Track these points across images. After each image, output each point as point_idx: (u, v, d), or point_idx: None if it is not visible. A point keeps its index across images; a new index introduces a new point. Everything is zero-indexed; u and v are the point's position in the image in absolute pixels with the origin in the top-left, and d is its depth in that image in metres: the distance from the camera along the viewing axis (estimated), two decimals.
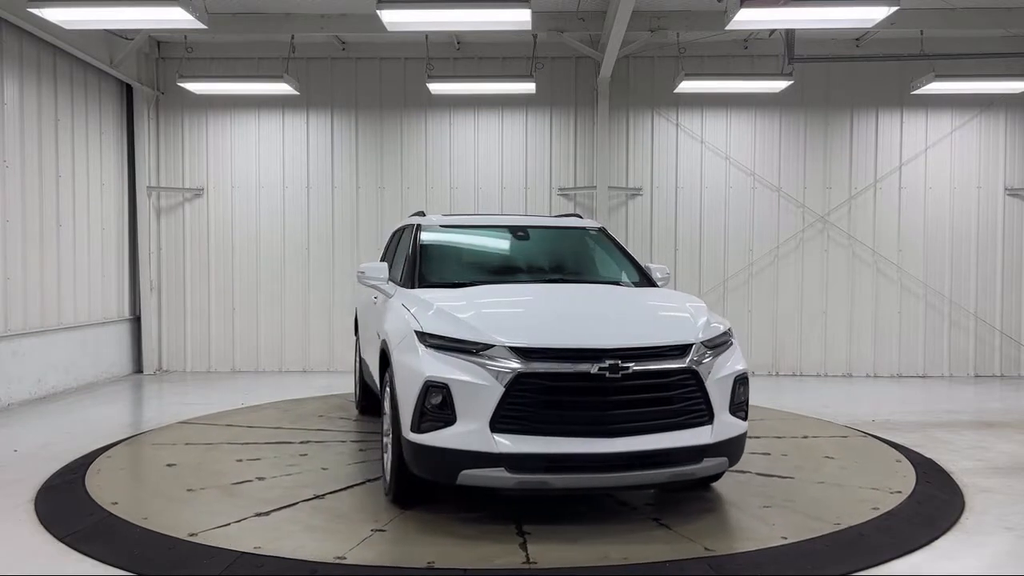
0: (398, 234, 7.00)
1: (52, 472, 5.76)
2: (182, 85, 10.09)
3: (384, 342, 5.08)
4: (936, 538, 4.49)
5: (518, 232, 6.24)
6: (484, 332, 4.40)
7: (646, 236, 11.05)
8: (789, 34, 9.59)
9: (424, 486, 4.71)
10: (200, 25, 7.25)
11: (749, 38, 10.66)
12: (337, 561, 4.04)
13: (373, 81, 11.11)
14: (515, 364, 4.25)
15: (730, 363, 4.69)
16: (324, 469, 5.80)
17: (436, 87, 10.11)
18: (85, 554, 4.22)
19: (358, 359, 7.74)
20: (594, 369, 4.24)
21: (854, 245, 10.98)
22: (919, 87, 9.83)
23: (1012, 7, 9.56)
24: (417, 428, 4.40)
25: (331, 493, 5.19)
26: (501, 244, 6.28)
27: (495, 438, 4.21)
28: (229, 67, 10.91)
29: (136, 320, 11.10)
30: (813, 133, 11.03)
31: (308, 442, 6.64)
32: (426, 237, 6.00)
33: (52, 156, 9.38)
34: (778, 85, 9.96)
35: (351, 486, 5.35)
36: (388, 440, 5.03)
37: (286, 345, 11.19)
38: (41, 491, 5.33)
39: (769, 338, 10.98)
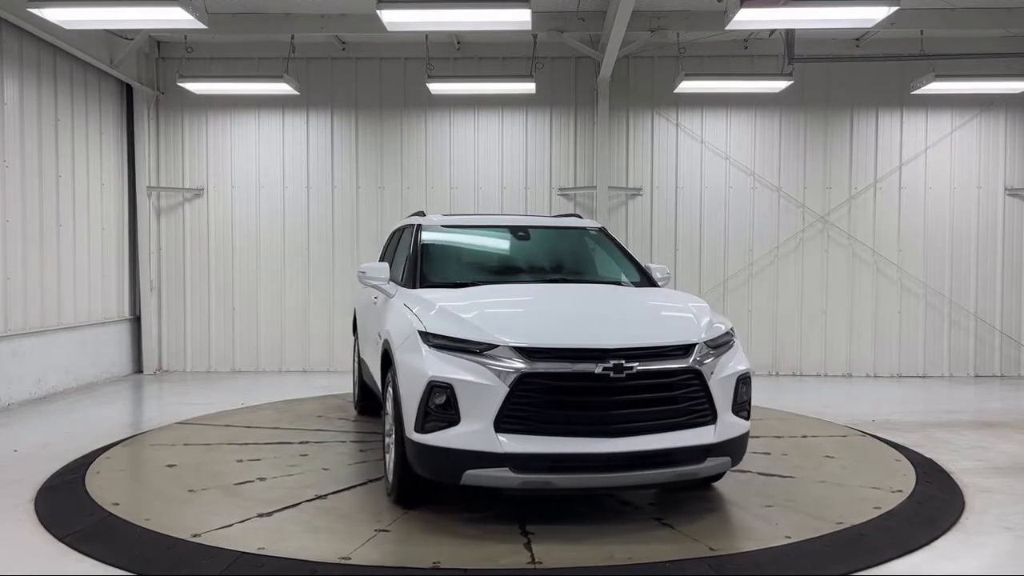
0: (397, 234, 7.00)
1: (52, 472, 5.76)
2: (182, 85, 10.09)
3: (386, 342, 5.07)
4: (936, 538, 4.49)
5: (519, 232, 6.24)
6: (488, 332, 4.39)
7: (646, 236, 11.05)
8: (789, 34, 9.59)
9: (427, 486, 4.71)
10: (200, 25, 7.25)
11: (749, 38, 10.66)
12: (342, 561, 4.04)
13: (373, 81, 11.11)
14: (519, 364, 4.25)
15: (733, 363, 4.70)
16: (325, 469, 5.79)
17: (436, 87, 10.11)
18: (85, 554, 4.22)
19: (357, 359, 7.74)
20: (598, 369, 4.25)
21: (854, 245, 10.98)
22: (919, 87, 9.83)
23: (1012, 7, 9.56)
24: (421, 428, 4.40)
25: (333, 493, 5.18)
26: (502, 244, 6.27)
27: (499, 438, 4.21)
28: (229, 67, 10.91)
29: (136, 320, 11.11)
30: (813, 133, 11.03)
31: (307, 442, 6.64)
32: (427, 237, 6.00)
33: (52, 156, 9.38)
34: (778, 85, 9.96)
35: (353, 486, 5.35)
36: (390, 440, 5.03)
37: (286, 345, 11.19)
38: (41, 491, 5.33)
39: (769, 338, 10.98)
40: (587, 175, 11.02)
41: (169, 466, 5.88)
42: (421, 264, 5.68)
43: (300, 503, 4.97)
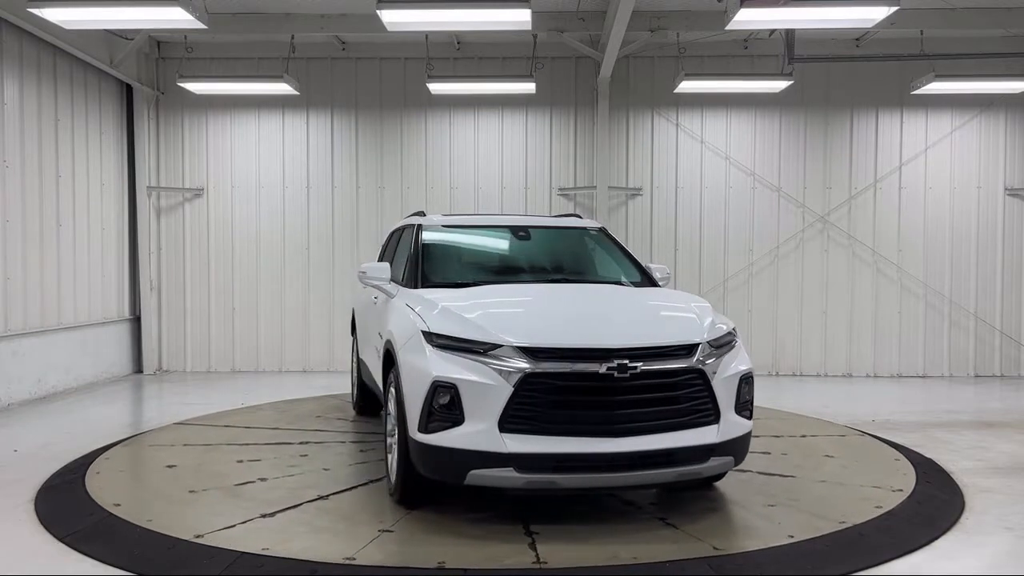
0: (397, 234, 6.99)
1: (52, 472, 5.76)
2: (182, 85, 10.09)
3: (388, 342, 5.06)
4: (936, 538, 4.49)
5: (519, 232, 6.25)
6: (492, 332, 4.40)
7: (646, 236, 11.05)
8: (789, 34, 9.59)
9: (430, 486, 4.71)
10: (200, 25, 7.25)
11: (749, 38, 10.66)
12: (346, 562, 4.03)
13: (373, 81, 11.11)
14: (523, 364, 4.25)
15: (735, 363, 4.71)
16: (326, 470, 5.79)
17: (436, 87, 10.11)
18: (85, 554, 4.22)
19: (356, 360, 7.74)
20: (602, 369, 4.25)
21: (854, 245, 10.98)
22: (919, 87, 9.83)
23: (1012, 7, 9.56)
24: (425, 428, 4.40)
25: (335, 494, 5.18)
26: (503, 244, 6.27)
27: (504, 438, 4.21)
28: (229, 67, 10.91)
29: (136, 320, 11.11)
30: (813, 133, 11.03)
31: (307, 443, 6.64)
32: (428, 237, 5.99)
33: (52, 156, 9.38)
34: (778, 85, 9.96)
35: (354, 487, 5.35)
36: (392, 440, 5.03)
37: (286, 345, 11.19)
38: (41, 491, 5.33)
39: (769, 338, 10.98)
40: (587, 175, 11.02)
41: (169, 467, 5.88)
42: (422, 264, 5.68)
43: (302, 503, 4.96)
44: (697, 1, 9.60)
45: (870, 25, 8.01)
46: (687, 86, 9.94)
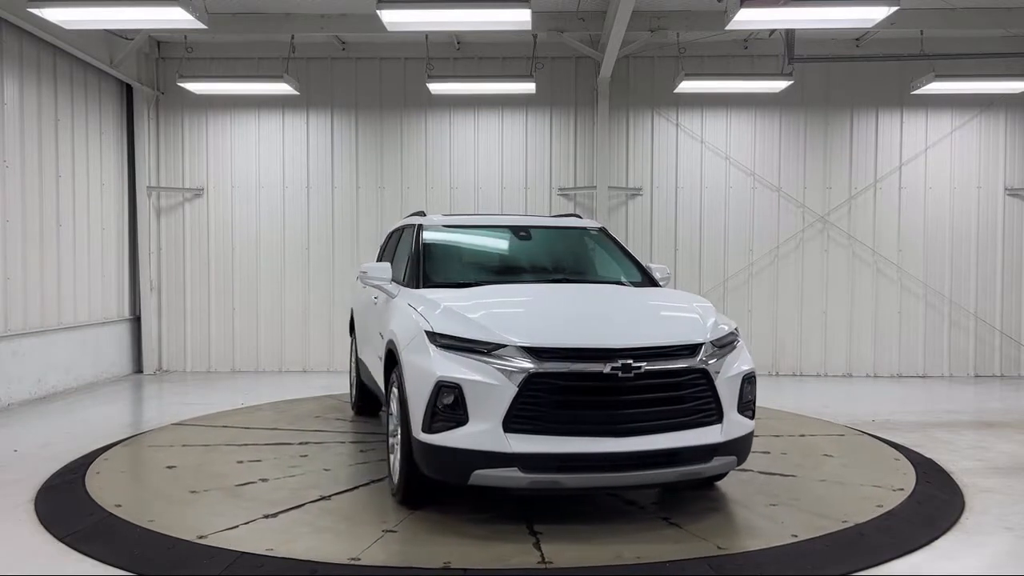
0: (397, 234, 6.99)
1: (52, 472, 5.76)
2: (182, 85, 10.09)
3: (391, 342, 5.06)
4: (936, 538, 4.49)
5: (520, 232, 6.25)
6: (496, 332, 4.40)
7: (646, 236, 11.05)
8: (789, 34, 9.59)
9: (433, 487, 4.71)
10: (200, 25, 7.25)
11: (749, 38, 10.66)
12: (351, 562, 4.03)
13: (373, 81, 11.11)
14: (528, 364, 4.26)
15: (738, 363, 4.72)
16: (326, 470, 5.79)
17: (436, 87, 10.11)
18: (85, 554, 4.22)
19: (354, 360, 7.73)
20: (606, 369, 4.26)
21: (854, 245, 10.98)
22: (919, 87, 9.83)
23: (1012, 7, 9.56)
24: (428, 428, 4.40)
25: (337, 494, 5.18)
26: (504, 244, 6.27)
27: (508, 438, 4.21)
28: (229, 67, 10.91)
29: (136, 320, 11.11)
30: (813, 133, 11.03)
31: (307, 443, 6.63)
32: (429, 237, 5.99)
33: (52, 156, 9.38)
34: (778, 85, 9.96)
35: (356, 487, 5.34)
36: (395, 440, 5.03)
37: (286, 345, 11.19)
38: (41, 491, 5.33)
39: (769, 338, 10.98)
40: (587, 175, 11.02)
41: (169, 467, 5.88)
42: (424, 264, 5.67)
43: (304, 504, 4.96)
44: (697, 1, 9.60)
45: (870, 25, 8.02)
46: (687, 86, 9.94)
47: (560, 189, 11.07)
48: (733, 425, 4.57)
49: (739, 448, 4.66)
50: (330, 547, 4.23)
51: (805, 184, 11.04)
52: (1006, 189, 10.97)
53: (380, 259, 7.30)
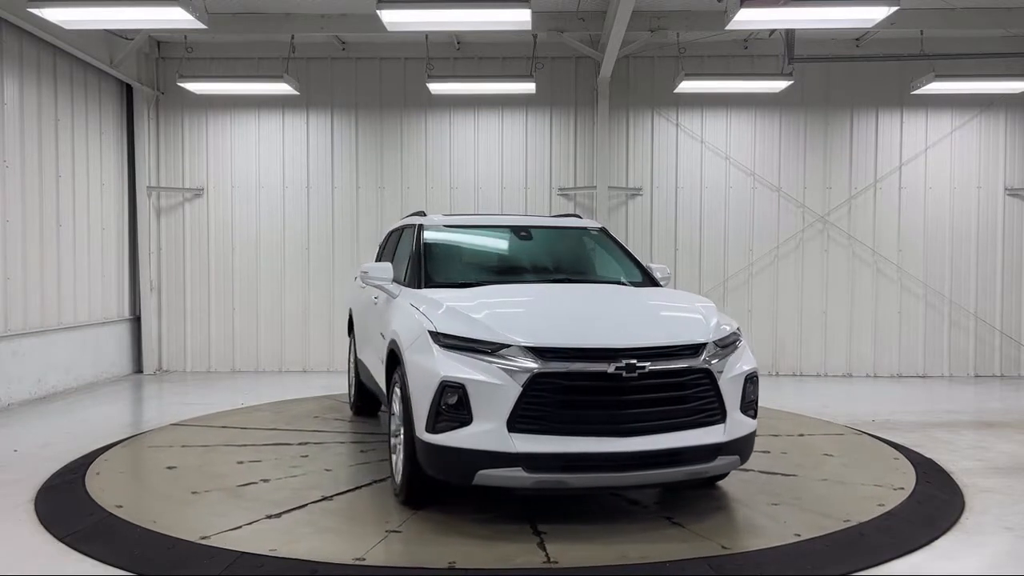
0: (396, 234, 6.98)
1: (52, 472, 5.76)
2: (182, 85, 10.09)
3: (393, 342, 5.06)
4: (936, 538, 4.49)
5: (520, 232, 6.25)
6: (500, 332, 4.40)
7: (646, 236, 11.05)
8: (789, 34, 9.59)
9: (436, 487, 4.71)
10: (200, 25, 7.24)
11: (749, 38, 10.66)
12: (356, 562, 4.03)
13: (373, 81, 11.11)
14: (532, 364, 4.26)
15: (740, 363, 4.73)
16: (327, 470, 5.78)
17: (436, 87, 10.11)
18: (85, 554, 4.22)
19: (353, 360, 7.73)
20: (611, 369, 4.26)
21: (854, 245, 10.98)
22: (919, 87, 9.83)
23: (1012, 7, 9.56)
24: (432, 428, 4.40)
25: (339, 495, 5.17)
26: (505, 244, 6.27)
27: (512, 438, 4.21)
28: (229, 67, 10.91)
29: (136, 320, 11.11)
30: (813, 133, 11.03)
31: (307, 443, 6.63)
32: (430, 237, 5.99)
33: (52, 156, 9.38)
34: (778, 85, 9.96)
35: (358, 487, 5.34)
36: (397, 441, 5.03)
37: (286, 345, 11.19)
38: (41, 491, 5.33)
39: (769, 338, 10.98)
40: (587, 175, 11.02)
41: (169, 468, 5.87)
42: (425, 264, 5.67)
43: (307, 504, 4.95)
44: (697, 1, 9.60)
45: (870, 25, 8.02)
46: (687, 86, 9.94)
47: (560, 189, 11.07)
48: (736, 425, 4.58)
49: (742, 448, 4.68)
50: (334, 547, 4.23)
51: (805, 184, 11.04)
52: (1006, 189, 10.97)
53: (379, 259, 7.30)
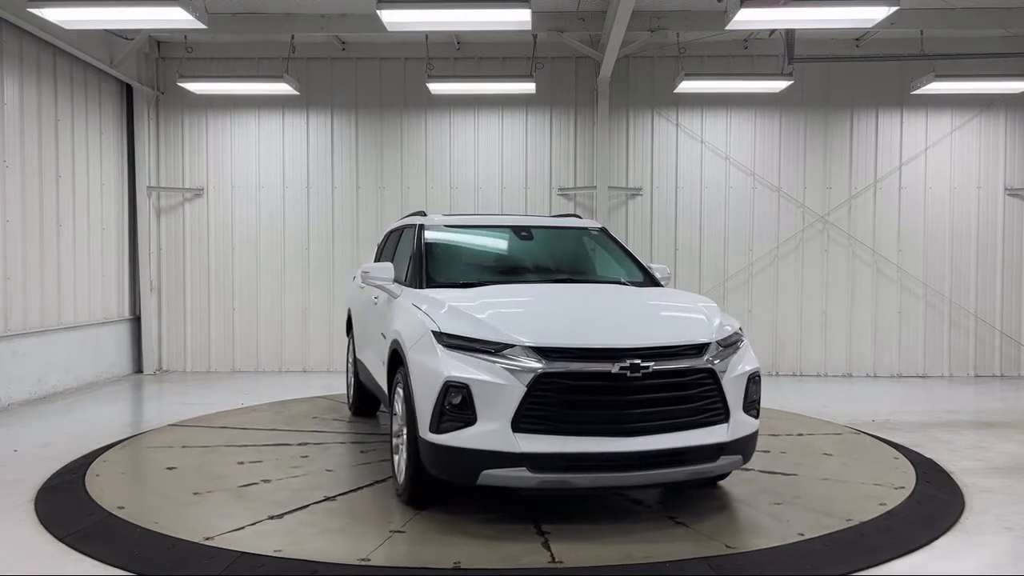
0: (396, 234, 6.97)
1: (52, 472, 5.76)
2: (182, 85, 10.09)
3: (395, 342, 5.06)
4: (936, 538, 4.49)
5: (521, 232, 6.25)
6: (504, 332, 4.40)
7: (646, 236, 11.05)
8: (789, 34, 9.59)
9: (439, 487, 4.71)
10: (200, 25, 7.24)
11: (749, 38, 10.66)
12: (361, 563, 4.03)
13: (373, 81, 11.11)
14: (536, 364, 4.26)
15: (743, 362, 4.74)
16: (328, 471, 5.78)
17: (436, 87, 10.11)
18: (85, 554, 4.22)
19: (352, 360, 7.72)
20: (615, 369, 4.26)
21: (854, 245, 10.98)
22: (919, 87, 9.83)
23: (1012, 7, 9.56)
24: (436, 428, 4.40)
25: (341, 495, 5.17)
26: (505, 244, 6.27)
27: (517, 438, 4.22)
28: (229, 67, 10.91)
29: (136, 320, 11.11)
30: (813, 133, 11.03)
31: (307, 444, 6.63)
32: (431, 237, 5.98)
33: (52, 156, 9.38)
34: (778, 85, 9.96)
35: (360, 488, 5.34)
36: (399, 441, 5.03)
37: (286, 345, 11.19)
38: (41, 491, 5.33)
39: (769, 338, 10.98)
40: (587, 175, 11.02)
41: (169, 468, 5.87)
42: (426, 264, 5.66)
43: (309, 505, 4.95)
44: (697, 1, 9.60)
45: (870, 25, 8.02)
46: (687, 86, 9.94)
47: (560, 189, 11.07)
48: (739, 424, 4.59)
49: (745, 447, 4.69)
50: (338, 548, 4.23)
51: (805, 184, 11.04)
52: (1006, 189, 10.97)
53: (378, 259, 7.29)
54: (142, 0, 7.06)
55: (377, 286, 5.82)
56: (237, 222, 11.18)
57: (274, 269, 11.19)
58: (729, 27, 7.51)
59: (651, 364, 4.31)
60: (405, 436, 4.83)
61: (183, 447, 6.49)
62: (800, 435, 6.96)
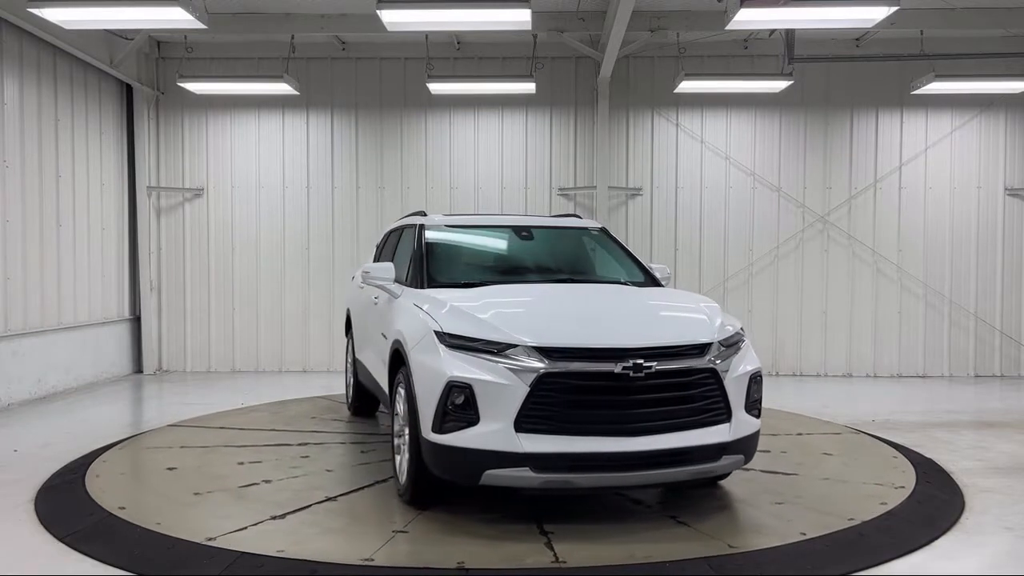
0: (396, 234, 6.96)
1: (52, 472, 5.76)
2: (182, 85, 10.09)
3: (397, 342, 5.05)
4: (936, 538, 4.49)
5: (522, 232, 6.25)
6: (506, 332, 4.40)
7: (646, 236, 11.05)
8: (789, 34, 9.59)
9: (441, 487, 4.71)
10: (200, 25, 7.24)
11: (749, 38, 10.66)
12: (364, 563, 4.03)
13: (373, 81, 11.11)
14: (539, 364, 4.26)
15: (744, 362, 4.75)
16: (329, 471, 5.78)
17: (436, 87, 10.11)
18: (85, 554, 4.22)
19: (352, 360, 7.72)
20: (617, 368, 4.27)
21: (854, 245, 10.98)
22: (919, 87, 9.83)
23: (1012, 7, 9.56)
24: (439, 428, 4.40)
25: (343, 495, 5.17)
26: (506, 244, 6.27)
27: (520, 438, 4.22)
28: (229, 67, 10.91)
29: (136, 320, 11.11)
30: (813, 133, 11.03)
31: (307, 444, 6.63)
32: (431, 237, 5.98)
33: (52, 156, 9.38)
34: (778, 85, 9.96)
35: (361, 488, 5.33)
36: (401, 441, 5.03)
37: (286, 345, 11.19)
38: (41, 491, 5.32)
39: (769, 338, 10.97)
40: (587, 175, 11.02)
41: (170, 468, 5.86)
42: (427, 264, 5.66)
43: (311, 505, 4.94)
44: (697, 1, 9.60)
45: (870, 25, 8.02)
46: (687, 86, 9.94)
47: (560, 189, 11.07)
48: (741, 424, 4.60)
49: (747, 447, 4.70)
50: (341, 548, 4.23)
51: (805, 184, 11.04)
52: (1006, 189, 10.97)
53: (378, 259, 7.28)
54: (142, 0, 7.06)
55: (378, 286, 5.81)
56: (237, 222, 11.18)
57: (274, 269, 11.19)
58: (729, 27, 7.51)
59: (653, 364, 4.32)
60: (407, 436, 4.83)
61: (183, 447, 6.49)
62: (800, 435, 6.96)
